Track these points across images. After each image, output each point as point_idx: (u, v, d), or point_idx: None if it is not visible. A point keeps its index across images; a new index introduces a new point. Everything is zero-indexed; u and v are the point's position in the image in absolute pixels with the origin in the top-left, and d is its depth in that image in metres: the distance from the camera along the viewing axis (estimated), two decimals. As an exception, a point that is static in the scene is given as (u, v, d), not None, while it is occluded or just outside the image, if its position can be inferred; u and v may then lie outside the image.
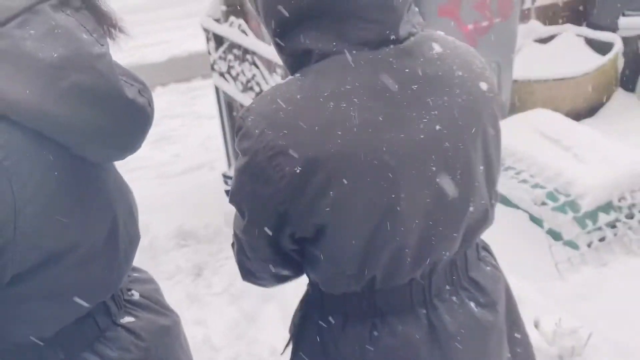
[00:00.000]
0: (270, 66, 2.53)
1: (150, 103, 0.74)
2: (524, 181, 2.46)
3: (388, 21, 0.72)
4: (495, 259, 1.02)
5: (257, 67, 2.60)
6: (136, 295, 0.85)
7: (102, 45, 0.68)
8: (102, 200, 0.73)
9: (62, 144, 0.65)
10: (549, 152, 2.54)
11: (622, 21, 3.70)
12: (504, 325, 0.93)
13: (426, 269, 0.78)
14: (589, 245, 2.31)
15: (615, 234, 2.35)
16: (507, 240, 2.45)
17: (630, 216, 2.37)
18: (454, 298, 0.83)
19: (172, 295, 2.45)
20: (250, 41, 2.54)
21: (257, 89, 2.67)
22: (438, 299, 0.81)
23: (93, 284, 0.74)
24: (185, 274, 2.76)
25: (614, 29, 3.72)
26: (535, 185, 2.40)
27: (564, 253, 2.27)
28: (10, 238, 0.60)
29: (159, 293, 0.93)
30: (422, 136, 0.71)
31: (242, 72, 2.77)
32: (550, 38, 3.92)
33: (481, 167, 0.82)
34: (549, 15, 4.08)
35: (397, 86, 0.71)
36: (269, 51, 2.40)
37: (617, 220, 2.34)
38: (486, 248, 1.01)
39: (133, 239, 0.82)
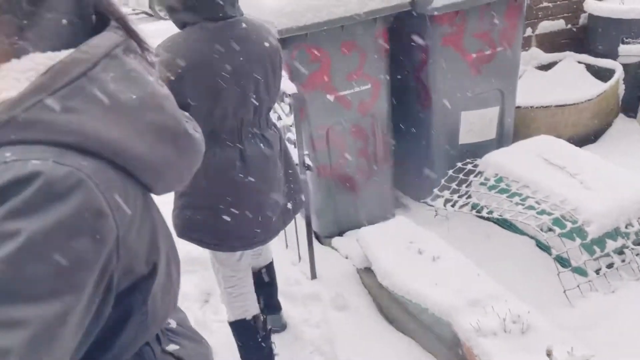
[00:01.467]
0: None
1: (202, 138, 0.80)
2: (530, 207, 2.47)
3: (225, 6, 1.66)
4: (277, 128, 1.99)
5: (265, 95, 2.63)
6: (173, 324, 0.87)
7: (162, 86, 0.73)
8: (163, 229, 0.77)
9: (139, 178, 0.70)
10: (555, 179, 2.56)
11: (622, 48, 3.76)
12: (278, 160, 1.89)
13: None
14: (597, 272, 2.32)
15: (622, 260, 2.36)
16: (516, 268, 2.45)
17: (638, 242, 2.38)
18: (252, 141, 1.78)
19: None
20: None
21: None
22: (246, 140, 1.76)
23: (160, 312, 0.77)
24: (192, 300, 2.75)
25: (614, 55, 3.78)
26: (542, 212, 2.41)
27: (572, 280, 2.27)
28: (115, 262, 0.64)
29: (188, 321, 0.95)
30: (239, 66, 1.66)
31: (250, 100, 2.80)
32: (552, 65, 3.97)
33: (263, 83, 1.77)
34: (549, 43, 4.14)
35: (226, 41, 1.65)
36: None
37: (625, 246, 2.35)
38: (274, 124, 1.96)
39: (178, 265, 0.85)
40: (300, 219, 3.00)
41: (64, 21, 0.66)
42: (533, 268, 2.45)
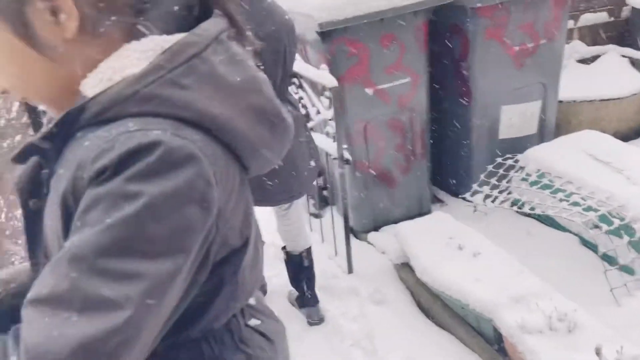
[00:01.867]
0: (316, 88, 2.57)
1: (292, 122, 0.82)
2: (575, 204, 2.41)
3: None
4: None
5: (303, 89, 2.63)
6: (252, 301, 0.88)
7: (260, 71, 0.76)
8: (253, 207, 0.81)
9: (240, 156, 0.74)
10: (600, 174, 2.49)
11: (669, 41, 3.64)
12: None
13: None
14: (645, 271, 2.25)
15: (672, 259, 2.28)
16: (559, 265, 2.40)
17: (688, 241, 2.30)
18: None
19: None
20: (298, 65, 2.58)
21: (303, 111, 2.70)
22: None
23: (248, 284, 0.81)
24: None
25: (659, 49, 3.66)
26: (588, 208, 2.35)
27: (619, 278, 2.21)
28: (213, 234, 0.68)
29: (264, 300, 0.96)
30: None
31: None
32: (594, 58, 3.87)
33: None
34: (592, 36, 4.03)
35: None
36: (318, 74, 2.43)
37: (674, 244, 2.28)
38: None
39: (262, 243, 0.88)
40: (336, 213, 3.00)
41: (176, 8, 0.71)
42: (577, 266, 2.40)
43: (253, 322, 0.85)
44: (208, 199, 0.64)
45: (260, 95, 0.74)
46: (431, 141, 2.99)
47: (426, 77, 2.80)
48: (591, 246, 2.42)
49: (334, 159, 2.52)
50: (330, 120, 2.44)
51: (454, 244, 2.41)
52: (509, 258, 2.28)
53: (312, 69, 2.48)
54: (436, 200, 3.29)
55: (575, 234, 2.53)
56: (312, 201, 3.26)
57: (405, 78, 2.74)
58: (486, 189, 2.85)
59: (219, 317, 0.78)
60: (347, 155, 2.47)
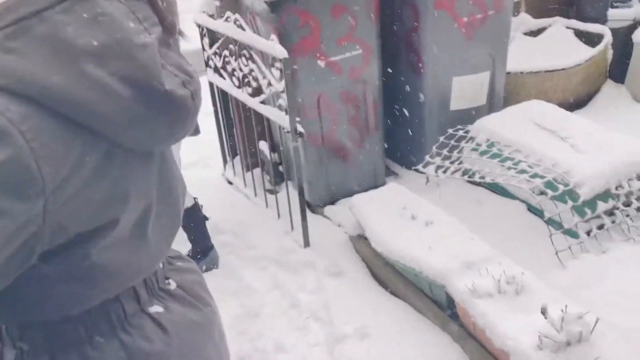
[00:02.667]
0: (267, 60, 2.52)
1: (194, 95, 0.73)
2: (523, 171, 2.48)
3: None
4: None
5: (254, 61, 2.58)
6: (172, 285, 0.84)
7: (150, 34, 0.68)
8: (137, 188, 0.72)
9: (97, 131, 0.65)
10: (547, 143, 2.57)
11: (611, 12, 3.75)
12: None
13: None
14: (588, 234, 2.34)
15: (613, 222, 2.38)
16: (508, 231, 2.47)
17: (628, 204, 2.40)
18: None
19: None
20: (247, 36, 2.53)
21: (254, 84, 2.65)
22: None
23: (119, 268, 0.74)
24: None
25: (603, 20, 3.77)
26: (534, 175, 2.42)
27: (564, 242, 2.29)
28: (40, 220, 0.60)
29: (201, 285, 0.92)
30: None
31: (239, 67, 2.75)
32: (541, 30, 3.95)
33: None
34: (538, 8, 4.11)
35: None
36: (268, 45, 2.38)
37: (615, 208, 2.38)
38: None
39: (170, 229, 0.81)
40: (292, 188, 2.99)
41: None
42: (525, 231, 2.48)
43: (153, 309, 0.80)
44: (22, 184, 0.57)
45: (128, 62, 0.64)
46: (384, 114, 3.00)
47: (378, 48, 2.79)
48: (537, 212, 2.50)
49: (287, 132, 2.49)
50: (282, 92, 2.40)
51: (407, 214, 2.45)
52: (460, 226, 2.33)
53: (262, 40, 2.43)
54: (390, 172, 3.32)
55: (523, 201, 2.60)
56: (267, 177, 3.24)
57: (357, 50, 2.73)
58: (438, 160, 2.89)
59: (72, 302, 0.71)
60: (300, 128, 2.45)
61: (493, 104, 3.13)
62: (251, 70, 2.63)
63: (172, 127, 0.72)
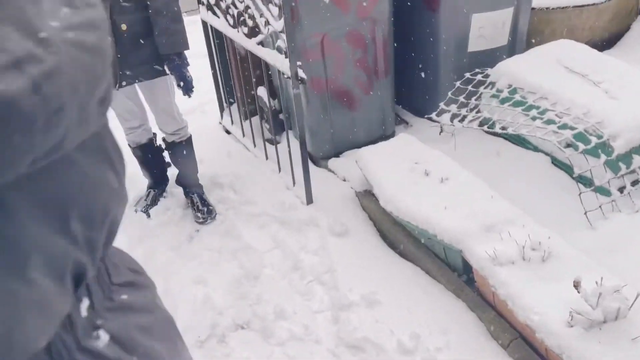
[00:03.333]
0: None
1: (42, 86, 0.42)
2: (550, 122, 2.23)
3: None
4: None
5: (249, -3, 2.29)
6: (103, 340, 0.60)
7: None
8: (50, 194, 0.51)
9: None
10: (577, 88, 2.30)
11: (649, -60, 3.37)
12: None
13: None
14: (620, 191, 2.12)
15: (648, 178, 2.16)
16: (530, 187, 2.25)
17: (665, 158, 2.17)
18: None
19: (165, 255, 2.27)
20: (240, -33, 2.23)
21: (250, 22, 2.37)
22: None
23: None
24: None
25: (639, -51, 3.39)
26: (563, 126, 2.17)
27: (594, 200, 2.08)
28: None
29: (146, 332, 0.68)
30: None
31: (233, 4, 2.46)
32: (568, -39, 3.57)
33: None
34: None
35: None
36: (264, -22, 2.09)
37: (652, 162, 2.14)
38: None
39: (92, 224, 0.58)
40: (293, 138, 2.75)
41: None
42: (549, 188, 2.25)
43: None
44: None
45: None
46: (395, 56, 2.72)
47: (389, -18, 2.48)
48: (563, 166, 2.27)
49: (287, 77, 2.23)
50: (281, 32, 2.13)
51: (420, 170, 2.22)
52: (478, 182, 2.11)
53: (257, -28, 2.14)
54: (401, 121, 3.07)
55: (547, 154, 2.37)
56: (266, 126, 3.00)
57: (366, -17, 2.42)
58: (454, 108, 2.63)
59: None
60: (301, 73, 2.18)
61: (515, 45, 2.83)
62: (247, 7, 2.34)
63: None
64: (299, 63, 2.18)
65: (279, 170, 2.75)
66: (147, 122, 2.54)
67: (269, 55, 2.32)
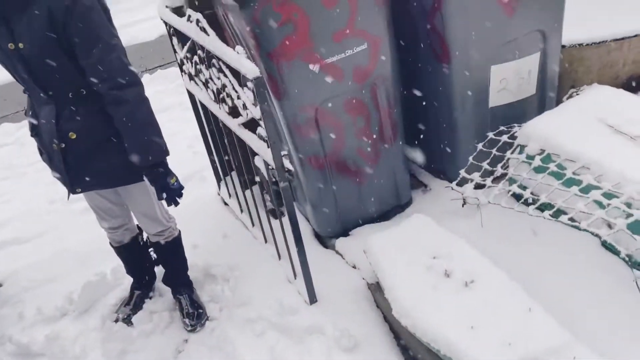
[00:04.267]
0: (239, 76, 1.89)
1: None
2: (598, 204, 1.82)
3: None
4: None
5: (225, 75, 1.96)
6: None
7: None
8: None
9: None
10: (626, 156, 1.88)
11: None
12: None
13: None
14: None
15: None
16: (574, 282, 1.85)
17: None
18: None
19: None
20: (211, 43, 1.90)
21: (229, 102, 2.04)
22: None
23: None
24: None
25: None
26: (614, 210, 1.76)
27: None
28: None
29: None
30: None
31: (211, 78, 2.14)
32: (600, -18, 3.14)
33: None
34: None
35: None
36: (234, 59, 1.75)
37: None
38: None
39: None
40: (298, 213, 2.40)
41: None
42: (601, 282, 1.84)
43: None
44: None
45: None
46: (405, 108, 2.35)
47: (389, 38, 2.12)
48: (615, 250, 1.85)
49: (272, 169, 1.89)
50: (260, 120, 1.79)
51: (440, 268, 1.84)
52: (511, 287, 1.72)
53: (227, 51, 1.80)
54: (418, 183, 2.69)
55: (596, 235, 1.95)
56: (268, 197, 2.66)
57: (361, 44, 2.06)
58: (476, 176, 2.24)
59: None
60: (288, 164, 1.84)
61: (545, 93, 2.43)
62: (224, 86, 2.02)
63: None
64: (284, 153, 1.83)
65: (279, 258, 2.40)
66: (129, 221, 2.23)
67: (252, 140, 1.98)
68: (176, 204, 1.94)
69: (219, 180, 3.00)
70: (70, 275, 2.64)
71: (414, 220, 2.12)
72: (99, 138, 1.84)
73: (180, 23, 2.20)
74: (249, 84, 1.74)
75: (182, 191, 1.94)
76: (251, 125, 1.95)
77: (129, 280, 2.45)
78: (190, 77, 2.47)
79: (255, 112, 1.79)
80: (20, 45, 1.66)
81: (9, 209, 3.41)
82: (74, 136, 1.81)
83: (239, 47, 1.72)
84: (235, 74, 1.88)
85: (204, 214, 2.89)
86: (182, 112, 4.42)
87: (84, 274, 2.56)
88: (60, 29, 1.65)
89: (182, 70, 2.56)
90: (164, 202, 1.94)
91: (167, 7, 2.38)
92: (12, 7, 1.63)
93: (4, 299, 2.62)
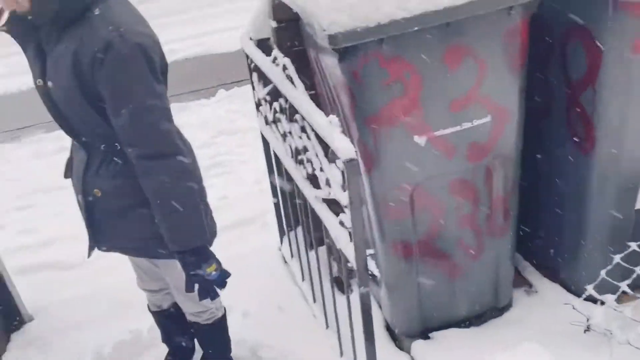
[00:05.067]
0: (325, 144, 1.49)
1: None
2: None
3: None
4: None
5: (309, 138, 1.58)
6: None
7: None
8: None
9: None
10: None
11: None
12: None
13: None
14: None
15: None
16: None
17: None
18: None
19: None
20: (297, 99, 1.53)
21: (309, 168, 1.65)
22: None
23: None
24: None
25: None
26: None
27: None
28: None
29: None
30: None
31: (291, 133, 1.77)
32: None
33: None
34: None
35: None
36: (323, 127, 1.36)
37: None
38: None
39: None
40: (356, 309, 1.97)
41: None
42: None
43: None
44: None
45: None
46: (519, 205, 1.88)
47: (519, 111, 1.67)
48: None
49: (350, 268, 1.48)
50: (345, 207, 1.38)
51: None
52: None
53: (316, 116, 1.41)
54: (521, 281, 2.19)
55: None
56: (335, 264, 2.25)
57: (484, 116, 1.62)
58: (610, 299, 1.73)
59: None
60: (373, 267, 1.42)
61: None
62: (305, 149, 1.63)
63: None
64: (370, 252, 1.42)
65: (341, 354, 1.98)
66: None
67: (331, 223, 1.57)
68: (212, 297, 1.56)
69: (282, 234, 2.62)
70: (104, 323, 2.34)
71: (520, 353, 1.63)
72: (128, 202, 1.49)
73: (263, 63, 1.84)
74: (339, 163, 1.34)
75: (226, 279, 1.56)
76: (332, 200, 1.56)
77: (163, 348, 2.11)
78: (267, 122, 2.12)
79: (341, 196, 1.39)
80: (49, 83, 1.36)
81: (58, 225, 3.18)
82: (99, 194, 1.48)
83: (333, 117, 1.33)
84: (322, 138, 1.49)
85: (261, 271, 2.52)
86: (255, 138, 4.05)
87: (119, 326, 2.26)
88: (87, 77, 1.31)
89: (258, 110, 2.22)
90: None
91: (251, 39, 2.04)
92: (47, 38, 1.34)
93: (31, 338, 2.36)
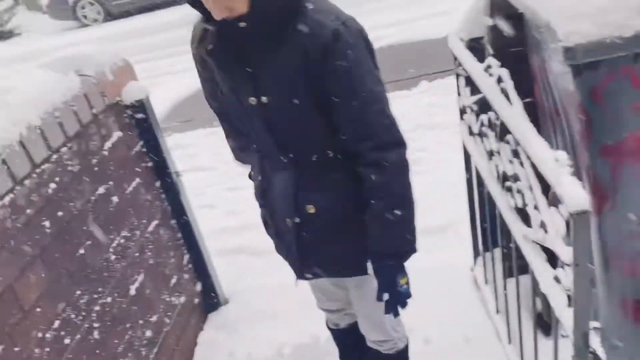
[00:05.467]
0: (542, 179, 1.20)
1: None
2: None
3: None
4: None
5: (521, 164, 1.30)
6: None
7: None
8: None
9: None
10: None
11: None
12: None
13: None
14: None
15: None
16: None
17: None
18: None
19: None
20: (515, 122, 1.26)
21: (518, 200, 1.37)
22: None
23: None
24: None
25: None
26: None
27: None
28: None
29: None
30: None
31: (499, 153, 1.50)
32: None
33: None
34: None
35: None
36: (548, 163, 1.08)
37: None
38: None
39: None
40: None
41: None
42: None
43: None
44: None
45: None
46: None
47: None
48: None
49: (564, 336, 1.18)
50: (567, 265, 1.09)
51: None
52: None
53: (537, 148, 1.13)
54: None
55: None
56: (539, 300, 1.91)
57: None
58: None
59: None
60: (595, 344, 1.11)
61: None
62: (516, 176, 1.36)
63: None
64: (594, 325, 1.11)
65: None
66: (350, 307, 1.78)
67: (543, 274, 1.28)
68: (396, 313, 1.43)
69: (476, 254, 2.35)
70: (291, 319, 2.36)
71: None
72: (339, 214, 1.42)
73: (474, 69, 1.59)
74: (563, 211, 1.05)
75: (408, 300, 1.43)
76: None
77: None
78: (471, 132, 1.87)
79: (561, 250, 1.10)
80: (264, 99, 1.30)
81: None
82: (313, 210, 1.40)
83: (561, 154, 1.04)
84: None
85: (448, 293, 2.29)
86: (452, 134, 3.78)
87: (300, 327, 2.25)
88: (316, 74, 1.24)
89: (461, 117, 1.97)
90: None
91: (461, 39, 1.80)
92: (261, 52, 1.26)
93: (224, 322, 2.48)
